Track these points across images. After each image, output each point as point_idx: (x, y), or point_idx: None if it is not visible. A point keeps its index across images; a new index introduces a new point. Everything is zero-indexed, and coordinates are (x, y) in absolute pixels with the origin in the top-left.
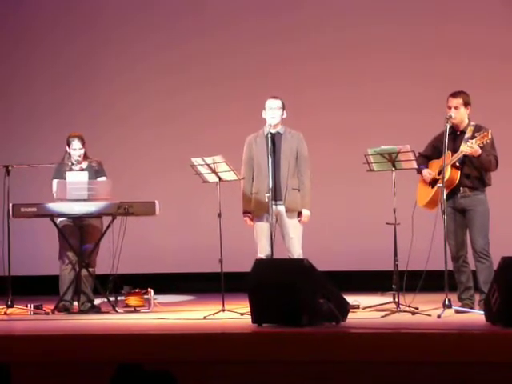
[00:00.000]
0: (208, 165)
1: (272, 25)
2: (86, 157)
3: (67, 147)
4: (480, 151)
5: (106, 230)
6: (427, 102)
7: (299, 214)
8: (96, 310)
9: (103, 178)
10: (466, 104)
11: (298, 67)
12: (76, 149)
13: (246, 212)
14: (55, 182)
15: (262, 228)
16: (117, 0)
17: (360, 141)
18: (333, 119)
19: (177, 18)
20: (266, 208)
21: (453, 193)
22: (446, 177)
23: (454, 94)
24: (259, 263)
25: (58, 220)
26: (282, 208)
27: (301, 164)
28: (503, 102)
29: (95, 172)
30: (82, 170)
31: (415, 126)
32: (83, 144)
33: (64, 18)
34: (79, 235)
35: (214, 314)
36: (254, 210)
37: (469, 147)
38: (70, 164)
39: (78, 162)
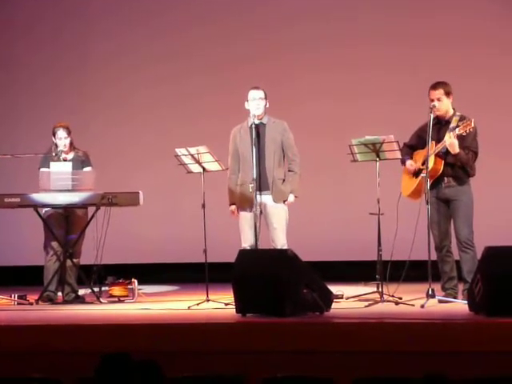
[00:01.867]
0: (192, 155)
1: (257, 15)
2: (72, 147)
3: (53, 137)
4: (458, 150)
5: (89, 221)
6: (412, 92)
7: (284, 203)
8: (80, 300)
9: (89, 168)
10: (448, 94)
11: (282, 58)
12: (61, 138)
13: (232, 204)
14: (40, 171)
15: (246, 218)
16: None
17: (344, 131)
18: (317, 109)
19: (163, 10)
20: (251, 199)
21: (437, 182)
22: (430, 166)
23: (434, 87)
24: (243, 253)
25: (44, 210)
26: (266, 198)
27: (287, 153)
28: (488, 92)
29: (81, 162)
30: (65, 160)
31: (400, 115)
32: (69, 133)
33: (50, 6)
34: (65, 225)
35: (198, 304)
36: (239, 202)
37: (448, 138)
38: (54, 155)
39: (65, 152)
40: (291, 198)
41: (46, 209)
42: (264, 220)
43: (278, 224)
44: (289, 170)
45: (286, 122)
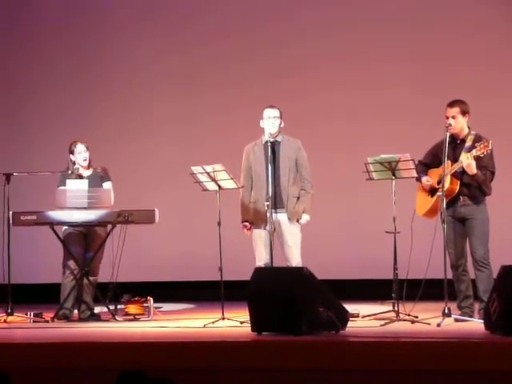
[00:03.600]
0: (208, 173)
1: (270, 34)
2: (90, 165)
3: (71, 155)
4: (475, 171)
5: (105, 238)
6: (427, 111)
7: (298, 222)
8: (96, 318)
9: (108, 183)
10: (464, 113)
11: (296, 76)
12: (81, 152)
13: (244, 221)
14: (57, 190)
15: (260, 235)
16: (118, 9)
17: (360, 149)
18: (332, 128)
19: (178, 27)
20: (265, 217)
21: (453, 202)
22: (446, 186)
23: (451, 104)
24: (259, 271)
25: (63, 228)
26: (281, 216)
27: (301, 171)
28: (503, 110)
29: (100, 178)
30: (80, 176)
31: (415, 134)
32: (87, 148)
33: (66, 25)
34: (84, 243)
35: (213, 323)
36: (253, 220)
37: (466, 159)
38: (70, 172)
39: (84, 168)
40: (306, 217)
41: (66, 227)
42: (277, 238)
43: (293, 242)
44: (301, 189)
45: (300, 141)
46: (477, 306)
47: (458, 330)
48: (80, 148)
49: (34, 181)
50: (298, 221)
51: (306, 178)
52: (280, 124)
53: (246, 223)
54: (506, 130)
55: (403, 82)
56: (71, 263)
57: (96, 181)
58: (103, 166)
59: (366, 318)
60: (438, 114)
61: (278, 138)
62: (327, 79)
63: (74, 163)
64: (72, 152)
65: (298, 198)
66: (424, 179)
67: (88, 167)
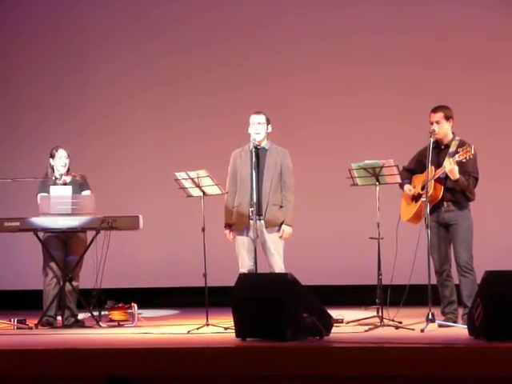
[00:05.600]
0: (192, 179)
1: (257, 38)
2: (68, 172)
3: (50, 160)
4: (458, 176)
5: (89, 245)
6: (412, 115)
7: (279, 229)
8: (79, 324)
9: (87, 192)
10: (448, 118)
11: (282, 80)
12: (62, 157)
13: (227, 225)
14: (39, 196)
15: (243, 242)
16: (100, 16)
17: (343, 155)
18: (316, 132)
19: (161, 32)
20: (247, 222)
21: (436, 207)
22: (430, 192)
23: (435, 109)
24: (243, 277)
25: (42, 232)
26: (263, 223)
27: (285, 180)
28: (489, 115)
29: (79, 185)
30: (65, 183)
31: (400, 138)
32: (68, 155)
33: (48, 32)
34: (64, 248)
35: (198, 329)
36: (235, 224)
37: (449, 164)
38: (53, 178)
39: (64, 174)
40: (287, 229)
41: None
42: (261, 245)
43: (276, 250)
44: (283, 199)
45: (287, 150)
46: (461, 311)
47: (441, 335)
48: (61, 153)
49: (17, 187)
50: (278, 230)
51: (289, 188)
52: (267, 130)
53: (229, 227)
54: (491, 136)
55: (389, 86)
56: (53, 266)
57: (75, 188)
58: (82, 174)
59: (350, 324)
60: (423, 117)
61: (265, 145)
62: (312, 83)
63: (52, 168)
64: (52, 156)
65: (281, 206)
66: (406, 187)
67: (66, 174)
